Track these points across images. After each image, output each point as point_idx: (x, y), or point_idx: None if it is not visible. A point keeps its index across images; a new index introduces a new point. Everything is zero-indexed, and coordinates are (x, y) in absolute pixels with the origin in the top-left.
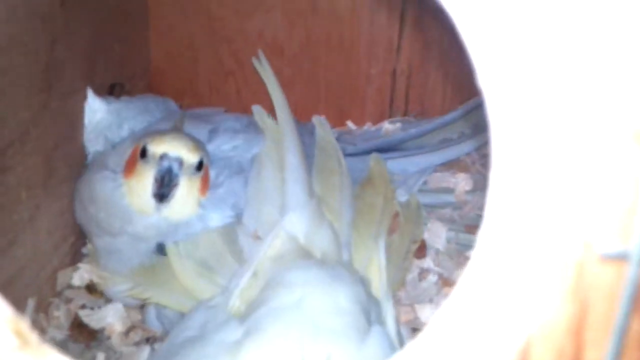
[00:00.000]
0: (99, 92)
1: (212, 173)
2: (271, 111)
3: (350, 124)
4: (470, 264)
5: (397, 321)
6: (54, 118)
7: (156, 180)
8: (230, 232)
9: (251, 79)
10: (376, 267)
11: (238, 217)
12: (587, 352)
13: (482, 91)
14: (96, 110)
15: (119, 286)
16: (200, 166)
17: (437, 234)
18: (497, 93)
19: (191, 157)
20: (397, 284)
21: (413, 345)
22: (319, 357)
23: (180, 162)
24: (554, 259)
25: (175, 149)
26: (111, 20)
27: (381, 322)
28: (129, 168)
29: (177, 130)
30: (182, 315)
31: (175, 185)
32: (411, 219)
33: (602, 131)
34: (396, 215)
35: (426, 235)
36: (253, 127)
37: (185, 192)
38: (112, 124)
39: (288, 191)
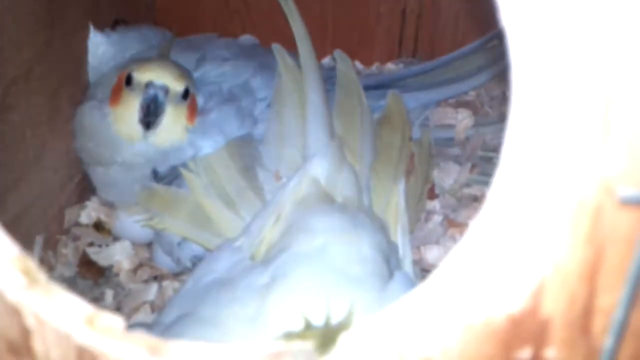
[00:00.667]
0: (102, 29)
1: (200, 99)
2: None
3: (358, 64)
4: (485, 204)
5: (415, 271)
6: (58, 56)
7: (142, 107)
8: (239, 156)
9: (257, 17)
10: (394, 211)
11: (230, 143)
12: (599, 297)
13: (504, 28)
14: (98, 43)
15: (135, 216)
16: (186, 94)
17: (447, 174)
18: (520, 30)
19: (177, 86)
20: (412, 227)
21: (425, 285)
22: (343, 305)
23: (166, 90)
24: (571, 202)
25: (160, 77)
26: None
27: (400, 267)
28: (115, 96)
29: (163, 57)
30: (193, 253)
31: (162, 112)
32: (424, 159)
33: (622, 76)
34: (412, 155)
35: (435, 175)
36: (243, 56)
37: (172, 119)
38: (116, 54)
39: (310, 132)
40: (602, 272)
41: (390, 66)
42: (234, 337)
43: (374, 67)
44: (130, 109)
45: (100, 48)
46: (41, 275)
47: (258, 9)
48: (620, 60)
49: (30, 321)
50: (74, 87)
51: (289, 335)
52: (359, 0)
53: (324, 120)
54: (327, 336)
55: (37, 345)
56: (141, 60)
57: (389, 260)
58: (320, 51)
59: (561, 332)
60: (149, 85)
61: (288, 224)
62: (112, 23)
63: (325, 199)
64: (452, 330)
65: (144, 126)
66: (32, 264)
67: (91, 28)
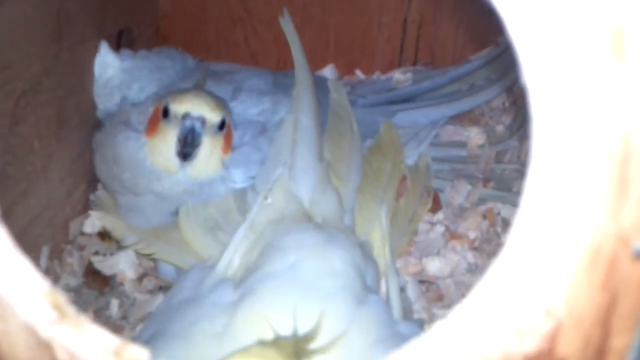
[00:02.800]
0: (108, 40)
1: (236, 133)
2: (275, 63)
3: (359, 73)
4: (505, 248)
5: (399, 285)
6: (65, 68)
7: (179, 139)
8: (244, 193)
9: (259, 26)
10: (378, 233)
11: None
12: (613, 339)
13: (525, 86)
14: (108, 65)
15: (126, 239)
16: (222, 125)
17: (458, 191)
18: (542, 88)
19: (213, 116)
20: (400, 248)
21: (446, 322)
22: (311, 318)
23: (203, 121)
24: (589, 251)
25: (197, 107)
26: None
27: (378, 286)
28: (151, 127)
29: (198, 88)
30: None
31: (199, 144)
32: (419, 181)
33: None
34: (404, 179)
35: (448, 191)
36: (280, 87)
37: (209, 150)
38: (123, 82)
39: (297, 154)
40: (616, 316)
41: (397, 75)
42: (202, 352)
43: (375, 75)
44: (168, 140)
45: (110, 71)
46: (70, 309)
47: (260, 17)
48: (637, 117)
49: (61, 355)
50: (79, 97)
51: (262, 344)
52: (360, 10)
53: (313, 144)
54: (297, 345)
55: None
56: (178, 91)
57: (364, 277)
58: (322, 61)
59: None
60: (186, 116)
61: (266, 243)
62: (117, 33)
63: (303, 218)
64: None
65: (182, 158)
66: (61, 298)
67: (104, 45)
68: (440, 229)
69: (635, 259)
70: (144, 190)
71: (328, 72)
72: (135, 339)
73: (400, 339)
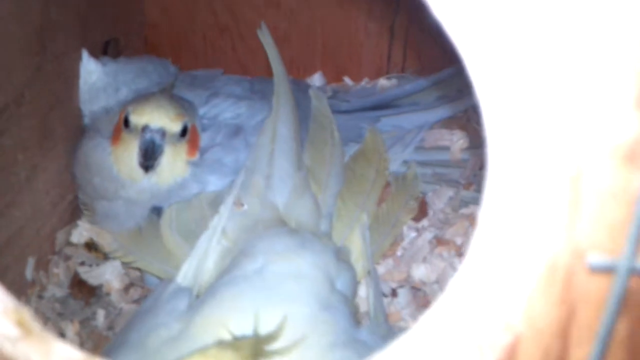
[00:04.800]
0: (93, 50)
1: (208, 134)
2: (264, 69)
3: (347, 80)
4: (464, 263)
5: (378, 290)
6: (49, 80)
7: (140, 151)
8: (220, 198)
9: (247, 34)
10: (357, 239)
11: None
12: (572, 351)
13: (479, 103)
14: (91, 71)
15: (108, 247)
16: (184, 132)
17: (439, 197)
18: (495, 106)
19: (174, 126)
20: (381, 252)
21: (406, 337)
22: (273, 320)
23: (163, 132)
24: (545, 265)
25: (156, 119)
26: None
27: (353, 290)
28: (116, 135)
29: (162, 95)
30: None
31: (160, 155)
32: (405, 189)
33: (591, 147)
34: (387, 185)
35: (430, 196)
36: (258, 93)
37: (171, 158)
38: (108, 86)
39: (275, 163)
40: (575, 328)
41: (382, 82)
42: (158, 357)
43: (363, 82)
44: (130, 150)
45: (93, 76)
46: (35, 326)
47: (247, 25)
48: (589, 136)
49: None
50: (64, 108)
51: (220, 344)
52: (347, 17)
53: (291, 153)
54: (256, 346)
55: None
56: (138, 100)
57: (334, 281)
58: (309, 68)
59: None
60: (145, 129)
61: (238, 250)
62: (104, 44)
63: (277, 224)
64: None
65: (144, 169)
66: (26, 314)
67: (85, 53)
68: (427, 235)
69: (591, 273)
70: (113, 196)
71: (316, 79)
72: (104, 352)
73: (359, 346)
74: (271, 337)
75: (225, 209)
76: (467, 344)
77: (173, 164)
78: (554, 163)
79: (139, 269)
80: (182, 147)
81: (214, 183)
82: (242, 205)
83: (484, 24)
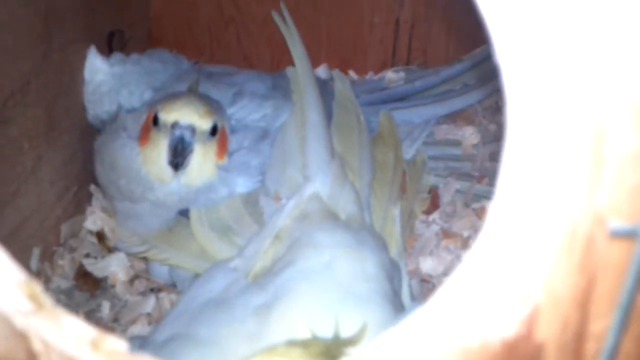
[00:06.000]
0: (98, 41)
1: (235, 137)
2: (269, 63)
3: (352, 74)
4: (482, 232)
5: (409, 284)
6: (55, 68)
7: (170, 149)
8: (253, 197)
9: (252, 26)
10: (391, 230)
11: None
12: (591, 323)
13: (499, 67)
14: (97, 70)
15: (136, 248)
16: (214, 130)
17: (449, 190)
18: (515, 68)
19: (203, 124)
20: (404, 244)
21: (424, 308)
22: (350, 323)
23: (193, 129)
24: (565, 232)
25: (186, 116)
26: None
27: (401, 288)
28: (144, 135)
29: (190, 93)
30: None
31: (190, 152)
32: (415, 177)
33: (613, 112)
34: (404, 174)
35: (441, 189)
36: (280, 90)
37: (201, 157)
38: (112, 89)
39: (309, 150)
40: (594, 299)
41: (390, 75)
42: (235, 355)
43: (368, 75)
44: (159, 149)
45: (99, 76)
46: (47, 300)
47: (252, 16)
48: (611, 97)
49: (37, 345)
50: (70, 98)
51: (290, 343)
52: (352, 11)
53: (324, 139)
54: (333, 348)
55: None
56: (168, 98)
57: (393, 279)
58: (314, 60)
59: (554, 356)
60: (175, 125)
61: (292, 240)
62: (108, 35)
63: (329, 216)
64: (449, 353)
65: (173, 167)
66: (38, 288)
67: (92, 50)
68: (435, 227)
69: (612, 239)
70: (140, 198)
71: (321, 72)
72: (152, 337)
73: None
74: (353, 341)
75: (277, 207)
76: (484, 315)
77: (203, 164)
78: (574, 125)
79: (144, 259)
80: (212, 148)
81: (242, 185)
82: (281, 199)
83: None
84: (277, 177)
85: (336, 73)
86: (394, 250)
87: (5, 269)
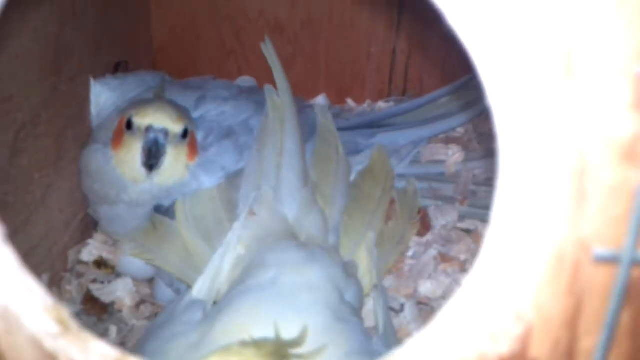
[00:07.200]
0: (104, 72)
1: (199, 135)
2: None
3: (350, 102)
4: (478, 260)
5: (386, 305)
6: (64, 99)
7: (144, 151)
8: (227, 190)
9: (252, 57)
10: (364, 255)
11: (227, 178)
12: (580, 341)
13: (490, 109)
14: (99, 93)
15: (124, 247)
16: (185, 134)
17: (442, 213)
18: (506, 111)
19: (176, 127)
20: (387, 268)
21: (428, 327)
22: (291, 329)
23: (166, 132)
24: (553, 258)
25: (160, 120)
26: None
27: (360, 303)
28: (117, 140)
29: (159, 98)
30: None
31: (163, 154)
32: (407, 205)
33: (594, 145)
34: (392, 202)
35: (432, 211)
36: (243, 96)
37: (173, 159)
38: (117, 99)
39: (283, 177)
40: (582, 319)
41: (381, 104)
42: None
43: (366, 104)
44: (133, 152)
45: (102, 97)
46: (73, 324)
47: (254, 49)
48: (591, 134)
49: None
50: (78, 128)
51: (242, 343)
52: (350, 41)
53: (298, 168)
54: (281, 349)
55: None
56: (140, 103)
57: (343, 293)
58: (313, 90)
59: None
60: (149, 129)
61: (249, 260)
62: (114, 66)
63: (287, 236)
64: None
65: (147, 169)
66: (65, 313)
67: (92, 81)
68: (432, 252)
69: (597, 264)
70: (115, 199)
71: (320, 101)
72: None
73: (374, 356)
74: (295, 343)
75: (238, 224)
76: (481, 334)
77: (175, 164)
78: (559, 162)
79: (149, 285)
80: (183, 150)
81: (208, 182)
82: (254, 213)
83: (495, 35)
84: (252, 191)
85: (318, 108)
86: (367, 273)
87: (36, 294)
